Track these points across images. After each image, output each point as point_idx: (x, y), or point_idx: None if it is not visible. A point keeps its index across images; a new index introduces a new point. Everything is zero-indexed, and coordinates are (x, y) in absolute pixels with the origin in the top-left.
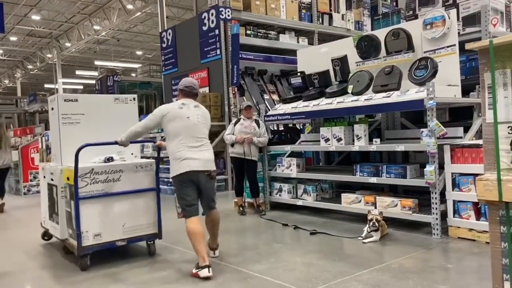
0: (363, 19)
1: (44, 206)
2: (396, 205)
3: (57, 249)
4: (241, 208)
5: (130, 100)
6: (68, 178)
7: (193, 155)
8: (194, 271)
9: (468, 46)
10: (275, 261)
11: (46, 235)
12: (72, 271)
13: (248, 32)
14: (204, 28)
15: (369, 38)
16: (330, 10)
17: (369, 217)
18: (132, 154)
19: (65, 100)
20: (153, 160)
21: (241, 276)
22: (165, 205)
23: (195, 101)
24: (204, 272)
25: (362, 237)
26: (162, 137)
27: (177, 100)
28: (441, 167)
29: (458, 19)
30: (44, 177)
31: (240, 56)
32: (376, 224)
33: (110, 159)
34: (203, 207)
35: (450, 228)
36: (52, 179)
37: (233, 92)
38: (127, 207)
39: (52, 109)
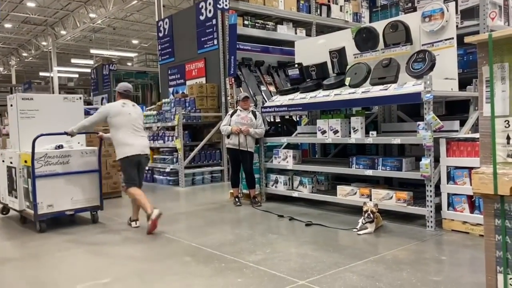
0: (361, 11)
1: (3, 185)
2: (391, 197)
3: (14, 220)
4: (236, 199)
5: (77, 99)
6: (25, 161)
7: (136, 141)
8: (153, 217)
9: (467, 39)
10: (270, 252)
11: (4, 210)
12: (29, 234)
13: (246, 22)
14: (201, 18)
15: (368, 30)
16: (329, 2)
17: (365, 208)
18: (78, 143)
19: (22, 99)
20: (96, 148)
21: (237, 266)
22: (161, 194)
23: (130, 101)
24: (155, 213)
25: (357, 228)
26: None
27: (116, 100)
28: (436, 160)
29: (456, 12)
30: (3, 161)
31: (237, 46)
32: (371, 215)
33: (60, 147)
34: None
35: (444, 221)
36: (11, 162)
37: (230, 83)
38: (74, 184)
39: (11, 105)
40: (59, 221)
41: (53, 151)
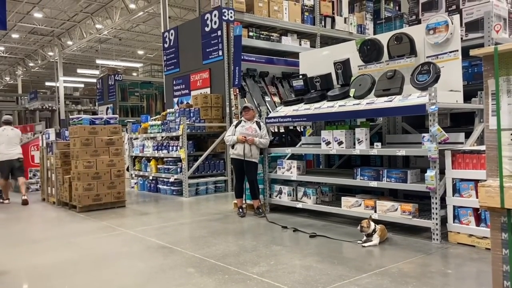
0: (365, 23)
1: None
2: (396, 209)
3: None
4: (240, 210)
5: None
6: None
7: (9, 152)
8: (1, 200)
9: (472, 52)
10: (274, 264)
11: None
12: None
13: (251, 33)
14: (207, 29)
15: (372, 42)
16: (333, 13)
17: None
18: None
19: None
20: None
21: (240, 278)
22: (164, 204)
23: (11, 126)
24: (6, 201)
25: (361, 241)
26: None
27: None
28: (441, 172)
29: (461, 25)
30: None
31: (242, 57)
32: (360, 228)
33: None
34: (14, 175)
35: (449, 234)
36: None
37: (235, 93)
38: None
39: None
40: None
41: None
